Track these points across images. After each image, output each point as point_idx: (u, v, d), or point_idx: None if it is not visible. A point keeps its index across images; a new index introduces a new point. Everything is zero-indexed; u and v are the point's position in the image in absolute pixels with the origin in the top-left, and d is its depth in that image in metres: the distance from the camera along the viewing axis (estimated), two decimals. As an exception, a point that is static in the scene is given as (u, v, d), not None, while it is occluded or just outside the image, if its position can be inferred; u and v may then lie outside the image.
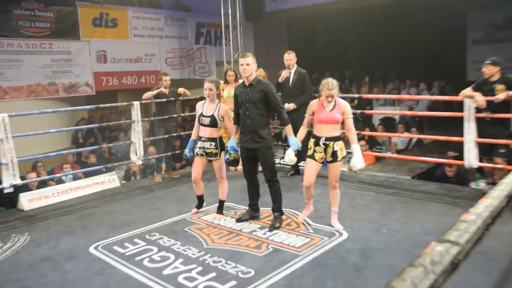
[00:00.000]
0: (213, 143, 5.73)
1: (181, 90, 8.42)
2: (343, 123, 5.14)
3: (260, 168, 5.79)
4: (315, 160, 5.20)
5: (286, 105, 7.36)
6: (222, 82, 8.11)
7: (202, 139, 5.76)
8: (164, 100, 8.31)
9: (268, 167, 5.49)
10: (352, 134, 5.15)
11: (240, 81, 6.20)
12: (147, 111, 14.81)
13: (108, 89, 14.26)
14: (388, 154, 10.14)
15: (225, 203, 6.08)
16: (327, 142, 5.14)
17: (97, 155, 11.83)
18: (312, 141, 5.22)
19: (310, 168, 5.24)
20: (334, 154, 5.17)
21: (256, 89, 5.36)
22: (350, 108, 5.17)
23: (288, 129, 5.29)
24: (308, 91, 7.63)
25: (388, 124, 13.61)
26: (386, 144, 11.57)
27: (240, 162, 5.77)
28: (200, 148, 5.80)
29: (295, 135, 5.36)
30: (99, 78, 13.95)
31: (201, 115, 5.73)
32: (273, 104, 5.35)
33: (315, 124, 5.19)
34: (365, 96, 9.30)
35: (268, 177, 5.53)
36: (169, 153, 8.53)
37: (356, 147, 5.11)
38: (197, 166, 5.88)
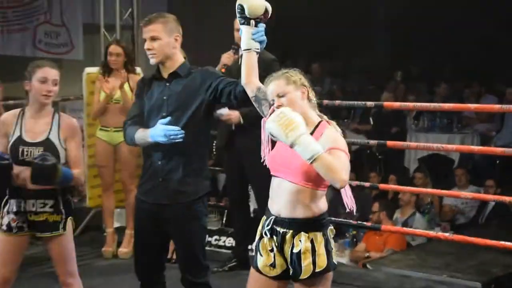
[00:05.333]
0: (49, 202, 3.83)
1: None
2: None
3: (172, 255, 4.51)
4: (259, 271, 3.03)
5: (224, 112, 5.50)
6: (97, 70, 6.12)
7: (22, 194, 3.80)
8: None
9: (191, 254, 3.75)
10: None
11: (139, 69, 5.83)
12: None
13: None
14: (435, 233, 7.24)
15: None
16: (281, 230, 3.00)
17: None
18: (262, 220, 3.22)
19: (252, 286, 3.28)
20: (297, 259, 2.94)
21: (188, 84, 3.71)
22: (344, 141, 3.08)
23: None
24: None
25: (437, 169, 9.79)
26: (431, 212, 8.75)
27: (130, 239, 5.21)
28: (16, 215, 3.76)
29: None
30: None
31: (19, 141, 3.76)
32: (226, 87, 3.52)
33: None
34: (388, 104, 6.97)
35: (188, 277, 3.75)
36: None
37: None
38: (6, 254, 3.89)
